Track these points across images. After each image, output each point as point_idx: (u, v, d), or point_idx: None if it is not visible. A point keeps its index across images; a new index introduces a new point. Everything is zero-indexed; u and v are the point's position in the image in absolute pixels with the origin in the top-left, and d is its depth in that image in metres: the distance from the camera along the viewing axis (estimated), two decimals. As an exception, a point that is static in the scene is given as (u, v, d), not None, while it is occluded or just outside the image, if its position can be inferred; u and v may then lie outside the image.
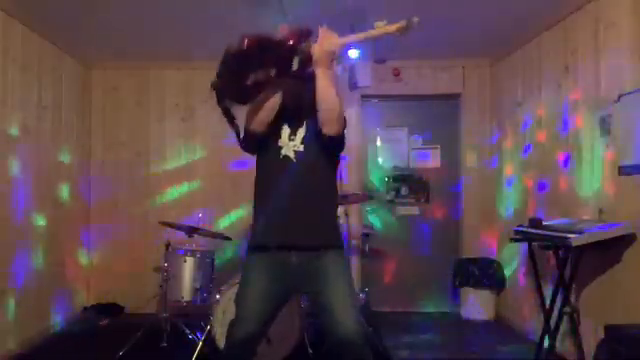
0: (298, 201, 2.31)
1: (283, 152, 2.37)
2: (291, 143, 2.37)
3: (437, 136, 5.46)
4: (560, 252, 3.42)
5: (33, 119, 4.20)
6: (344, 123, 2.34)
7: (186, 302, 3.98)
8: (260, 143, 2.41)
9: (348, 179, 5.08)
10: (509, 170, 4.88)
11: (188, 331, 3.95)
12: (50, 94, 4.48)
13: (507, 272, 4.90)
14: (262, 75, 2.26)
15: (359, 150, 5.31)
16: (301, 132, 2.39)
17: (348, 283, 2.33)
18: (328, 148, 2.36)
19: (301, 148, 2.37)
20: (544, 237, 3.34)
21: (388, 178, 5.44)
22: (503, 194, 5.01)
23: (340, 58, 4.79)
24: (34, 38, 4.20)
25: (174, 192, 5.31)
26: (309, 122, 2.39)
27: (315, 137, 2.35)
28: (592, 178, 3.47)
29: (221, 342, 3.44)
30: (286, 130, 2.39)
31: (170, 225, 4.17)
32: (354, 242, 5.06)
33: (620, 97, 3.13)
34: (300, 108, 2.37)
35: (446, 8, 3.89)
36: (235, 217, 5.25)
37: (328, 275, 2.29)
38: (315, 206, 2.34)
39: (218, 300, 3.61)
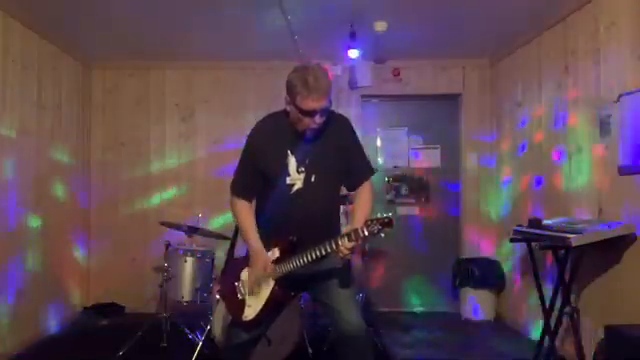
0: (308, 224, 2.28)
1: (295, 188, 2.28)
2: (302, 175, 2.28)
3: (437, 136, 5.46)
4: (560, 252, 3.42)
5: (33, 119, 4.20)
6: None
7: (186, 302, 3.98)
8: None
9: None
10: (508, 170, 4.88)
11: (188, 331, 3.95)
12: (50, 94, 4.48)
13: (507, 272, 4.90)
14: None
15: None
16: (310, 159, 2.29)
17: (350, 281, 2.35)
18: None
19: (313, 178, 2.29)
20: (544, 237, 3.34)
21: (388, 178, 5.45)
22: (503, 193, 5.01)
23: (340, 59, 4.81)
24: (34, 38, 4.20)
25: (174, 192, 5.31)
26: (317, 144, 2.29)
27: (324, 158, 2.30)
28: (592, 178, 3.47)
29: (221, 342, 3.44)
30: (293, 163, 2.29)
31: (170, 225, 4.17)
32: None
33: (620, 97, 3.12)
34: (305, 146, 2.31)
35: (446, 8, 3.89)
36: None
37: (331, 275, 2.30)
38: (324, 224, 2.33)
39: (218, 300, 3.61)
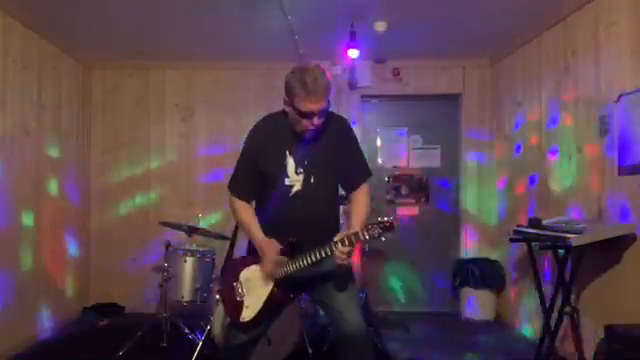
0: (308, 226, 2.27)
1: (294, 189, 2.28)
2: (300, 177, 2.28)
3: (437, 136, 5.46)
4: (560, 252, 3.42)
5: (33, 119, 4.20)
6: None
7: (186, 302, 3.98)
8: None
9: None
10: (507, 170, 4.88)
11: (188, 331, 3.95)
12: (50, 94, 4.48)
13: (507, 272, 4.90)
14: None
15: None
16: (309, 160, 2.29)
17: (351, 282, 2.35)
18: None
19: (312, 179, 2.29)
20: (544, 237, 3.34)
21: (388, 178, 5.45)
22: (503, 194, 5.00)
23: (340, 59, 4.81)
24: (34, 38, 4.20)
25: (174, 192, 5.31)
26: (315, 145, 2.28)
27: (323, 159, 2.30)
28: (592, 178, 3.47)
29: (221, 342, 3.44)
30: (292, 165, 2.28)
31: (170, 225, 4.17)
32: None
33: (620, 97, 3.13)
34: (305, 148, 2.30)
35: (446, 8, 3.89)
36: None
37: (331, 276, 2.30)
38: (324, 225, 2.33)
39: (218, 300, 3.61)
